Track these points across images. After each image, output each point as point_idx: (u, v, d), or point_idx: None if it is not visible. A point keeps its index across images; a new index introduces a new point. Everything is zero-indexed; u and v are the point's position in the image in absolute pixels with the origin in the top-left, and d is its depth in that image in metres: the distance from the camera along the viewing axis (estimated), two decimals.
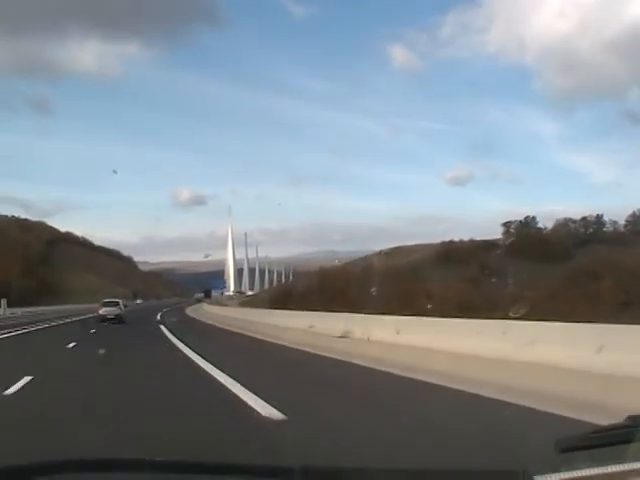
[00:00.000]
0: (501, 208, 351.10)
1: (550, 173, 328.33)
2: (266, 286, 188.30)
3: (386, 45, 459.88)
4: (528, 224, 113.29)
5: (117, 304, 40.67)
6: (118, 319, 37.73)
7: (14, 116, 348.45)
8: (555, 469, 1.51)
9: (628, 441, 1.65)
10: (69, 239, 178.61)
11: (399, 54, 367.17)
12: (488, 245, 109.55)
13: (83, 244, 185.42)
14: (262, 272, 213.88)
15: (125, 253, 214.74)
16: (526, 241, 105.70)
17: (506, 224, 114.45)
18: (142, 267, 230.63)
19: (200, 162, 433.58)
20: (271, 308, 52.17)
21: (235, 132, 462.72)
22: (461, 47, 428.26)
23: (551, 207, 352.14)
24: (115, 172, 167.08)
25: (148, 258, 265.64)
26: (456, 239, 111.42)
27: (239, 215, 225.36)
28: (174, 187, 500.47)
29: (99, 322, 36.41)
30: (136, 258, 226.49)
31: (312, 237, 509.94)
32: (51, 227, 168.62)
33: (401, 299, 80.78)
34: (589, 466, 1.53)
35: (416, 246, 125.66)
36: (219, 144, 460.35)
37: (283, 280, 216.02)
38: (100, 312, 39.08)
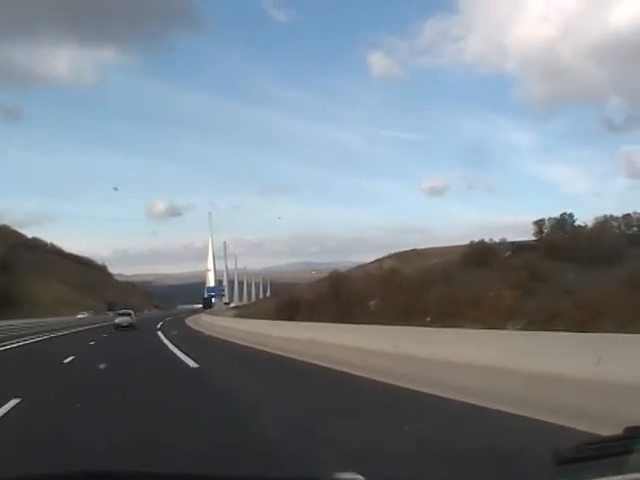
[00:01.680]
0: (477, 218, 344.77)
1: (528, 183, 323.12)
2: (245, 298, 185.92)
3: (364, 53, 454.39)
4: (564, 222, 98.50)
5: (130, 314, 49.75)
6: (130, 326, 45.28)
7: None
8: (552, 478, 1.55)
9: (627, 452, 1.63)
10: (35, 245, 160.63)
11: (377, 62, 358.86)
12: (521, 247, 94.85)
13: (51, 251, 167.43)
14: (240, 284, 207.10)
15: (99, 262, 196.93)
16: (568, 241, 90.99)
17: (538, 222, 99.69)
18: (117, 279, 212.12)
19: (176, 172, 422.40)
20: (278, 319, 46.37)
21: (211, 142, 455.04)
22: (439, 55, 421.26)
23: (527, 217, 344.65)
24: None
25: (122, 270, 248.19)
26: (485, 239, 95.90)
27: (215, 226, 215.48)
28: (149, 198, 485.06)
29: (115, 329, 43.73)
30: (109, 271, 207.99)
31: (288, 249, 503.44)
32: (15, 231, 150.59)
33: (440, 308, 65.74)
34: (587, 477, 1.52)
35: (430, 249, 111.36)
36: (195, 154, 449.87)
37: (261, 292, 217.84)
38: (116, 321, 47.64)
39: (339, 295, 71.45)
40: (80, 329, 48.90)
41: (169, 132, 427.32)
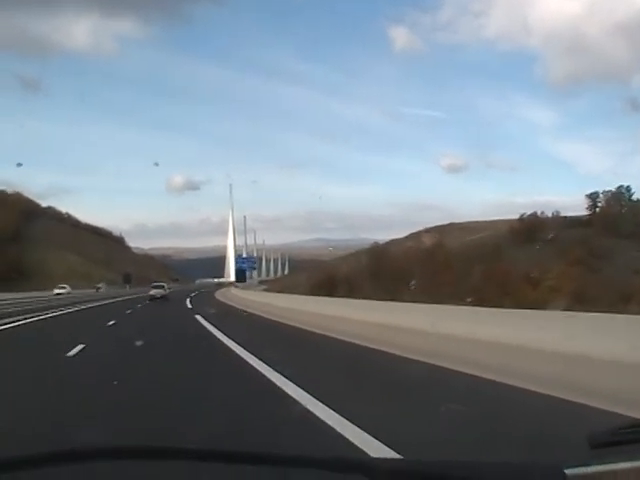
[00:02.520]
0: (495, 197, 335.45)
1: (548, 161, 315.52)
2: (264, 274, 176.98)
3: (384, 27, 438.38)
4: (621, 195, 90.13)
5: (163, 287, 54.91)
6: (163, 297, 49.83)
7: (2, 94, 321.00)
8: (586, 463, 1.49)
9: None
10: (50, 214, 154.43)
11: (398, 37, 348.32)
12: (573, 222, 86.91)
13: (67, 221, 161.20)
14: (260, 259, 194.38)
15: (117, 234, 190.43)
16: (628, 216, 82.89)
17: (592, 195, 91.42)
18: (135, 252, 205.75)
19: (194, 147, 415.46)
20: (315, 295, 41.73)
21: (229, 117, 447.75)
22: (459, 31, 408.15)
23: (547, 197, 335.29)
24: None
25: (140, 244, 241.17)
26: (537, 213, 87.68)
27: (234, 201, 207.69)
28: (167, 172, 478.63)
29: (149, 300, 47.40)
30: (127, 243, 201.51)
31: (305, 224, 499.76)
32: (28, 199, 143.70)
33: (495, 285, 58.24)
34: (620, 460, 1.50)
35: (471, 223, 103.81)
36: (213, 129, 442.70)
37: (279, 268, 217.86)
38: (150, 293, 51.29)
39: (379, 272, 64.40)
40: (76, 308, 37.97)
41: (187, 106, 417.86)
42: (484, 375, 8.47)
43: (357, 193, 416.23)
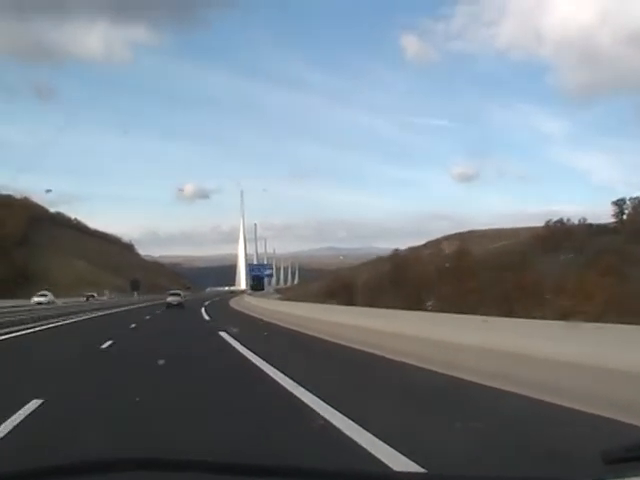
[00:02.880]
0: (506, 206, 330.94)
1: (559, 171, 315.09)
2: (274, 282, 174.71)
3: (396, 37, 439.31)
4: None
5: (179, 295, 55.70)
6: (180, 305, 50.31)
7: (15, 102, 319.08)
8: (600, 478, 1.50)
9: None
10: (58, 220, 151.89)
11: (410, 46, 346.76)
12: (600, 229, 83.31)
13: (75, 227, 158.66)
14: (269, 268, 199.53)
15: (126, 240, 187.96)
16: None
17: (618, 202, 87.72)
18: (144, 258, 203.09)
19: (204, 155, 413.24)
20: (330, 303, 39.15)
21: (240, 125, 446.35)
22: (471, 40, 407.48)
23: (559, 207, 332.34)
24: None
25: (150, 252, 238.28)
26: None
27: (243, 209, 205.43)
28: (178, 180, 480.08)
29: (166, 307, 48.19)
30: (137, 250, 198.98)
31: (315, 233, 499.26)
32: (36, 204, 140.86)
33: (524, 294, 54.85)
34: (635, 476, 1.51)
35: (490, 231, 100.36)
36: (224, 137, 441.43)
37: (290, 276, 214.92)
38: (167, 300, 52.60)
39: (400, 279, 61.10)
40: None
41: (198, 114, 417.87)
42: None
43: (368, 202, 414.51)
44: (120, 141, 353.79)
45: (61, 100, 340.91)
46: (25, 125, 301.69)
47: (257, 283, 75.23)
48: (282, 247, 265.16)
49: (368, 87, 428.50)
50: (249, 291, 76.24)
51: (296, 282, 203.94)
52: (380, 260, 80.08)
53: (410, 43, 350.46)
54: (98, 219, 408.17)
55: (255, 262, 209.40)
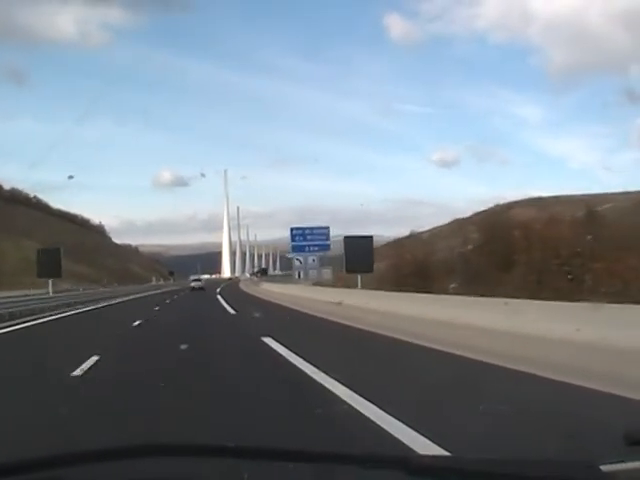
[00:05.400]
0: (487, 192, 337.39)
1: (541, 157, 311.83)
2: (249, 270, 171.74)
3: (376, 21, 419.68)
4: None
5: (200, 280, 70.24)
6: (201, 288, 59.87)
7: None
8: (622, 459, 1.50)
9: None
10: (13, 199, 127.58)
11: (393, 27, 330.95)
12: None
13: (35, 206, 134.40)
14: (251, 256, 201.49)
15: (96, 222, 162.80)
16: None
17: None
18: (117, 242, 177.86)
19: (181, 143, 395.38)
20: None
21: (219, 113, 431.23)
22: (451, 23, 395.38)
23: (539, 192, 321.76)
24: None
25: (129, 241, 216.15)
26: None
27: (223, 195, 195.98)
28: (155, 168, 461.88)
29: (191, 291, 56.57)
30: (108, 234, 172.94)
31: (296, 220, 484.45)
32: None
33: None
34: None
35: (573, 197, 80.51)
36: (203, 124, 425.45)
37: (271, 263, 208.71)
38: (191, 285, 64.00)
39: (510, 257, 38.80)
40: None
41: (176, 101, 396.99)
42: None
43: (349, 189, 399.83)
44: (96, 128, 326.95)
45: (33, 85, 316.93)
46: None
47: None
48: (263, 234, 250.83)
49: (349, 74, 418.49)
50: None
51: (278, 270, 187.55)
52: (461, 222, 58.45)
53: (391, 25, 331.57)
54: (74, 208, 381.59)
55: (238, 250, 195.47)
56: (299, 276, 36.40)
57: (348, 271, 33.85)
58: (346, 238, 34.69)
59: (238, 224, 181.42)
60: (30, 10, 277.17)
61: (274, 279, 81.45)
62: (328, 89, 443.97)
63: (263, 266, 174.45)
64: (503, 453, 4.49)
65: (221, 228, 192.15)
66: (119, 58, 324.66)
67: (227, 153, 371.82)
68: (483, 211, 66.53)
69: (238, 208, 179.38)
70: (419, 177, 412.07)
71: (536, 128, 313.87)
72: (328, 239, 38.10)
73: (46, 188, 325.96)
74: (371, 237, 35.90)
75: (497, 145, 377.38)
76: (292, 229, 37.55)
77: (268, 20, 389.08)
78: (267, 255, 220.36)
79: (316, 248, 37.00)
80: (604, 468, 1.42)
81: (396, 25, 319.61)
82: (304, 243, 37.56)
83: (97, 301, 37.98)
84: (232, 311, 25.35)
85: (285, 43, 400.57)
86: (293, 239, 37.87)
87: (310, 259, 36.31)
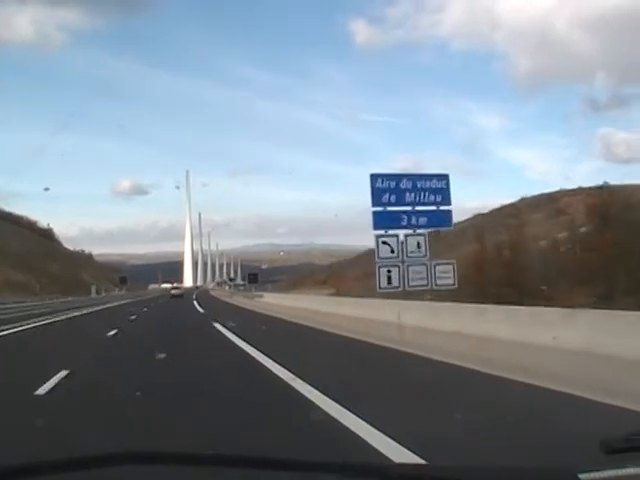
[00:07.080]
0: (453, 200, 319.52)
1: (504, 165, 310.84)
2: (209, 278, 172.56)
3: (337, 31, 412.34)
4: None
5: (180, 288, 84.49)
6: (181, 296, 66.73)
7: None
8: (599, 468, 1.49)
9: None
10: None
11: (358, 34, 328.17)
12: None
13: None
14: (212, 265, 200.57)
15: (44, 224, 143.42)
16: None
17: None
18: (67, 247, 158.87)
19: (142, 151, 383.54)
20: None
21: (178, 122, 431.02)
22: (413, 30, 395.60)
23: (499, 201, 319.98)
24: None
25: (87, 250, 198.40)
26: None
27: (183, 204, 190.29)
28: (114, 176, 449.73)
29: (171, 298, 61.40)
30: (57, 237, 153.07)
31: (255, 229, 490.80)
32: None
33: None
34: (634, 466, 1.50)
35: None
36: (162, 134, 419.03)
37: (232, 272, 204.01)
38: (172, 292, 71.91)
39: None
40: None
41: (134, 110, 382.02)
42: None
43: (309, 198, 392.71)
44: (51, 135, 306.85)
45: None
46: None
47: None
48: (223, 243, 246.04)
49: (310, 84, 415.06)
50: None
51: (239, 279, 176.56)
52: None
53: (355, 33, 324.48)
54: (32, 217, 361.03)
55: (200, 258, 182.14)
56: (388, 282, 15.68)
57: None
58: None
59: (200, 231, 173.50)
60: None
61: (238, 289, 77.58)
62: (290, 99, 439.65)
63: (231, 275, 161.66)
64: (481, 460, 4.34)
65: (181, 237, 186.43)
66: (75, 64, 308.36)
67: (187, 162, 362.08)
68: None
69: (200, 215, 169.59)
70: None
71: (498, 137, 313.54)
72: (449, 202, 17.57)
73: (1, 196, 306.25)
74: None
75: (461, 153, 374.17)
76: (372, 176, 16.49)
77: (229, 30, 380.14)
78: (228, 264, 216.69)
79: (425, 219, 16.84)
80: (582, 476, 1.41)
81: (359, 34, 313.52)
82: (403, 208, 16.72)
83: None
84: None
85: (247, 53, 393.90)
86: (378, 200, 16.68)
87: (414, 242, 16.27)
